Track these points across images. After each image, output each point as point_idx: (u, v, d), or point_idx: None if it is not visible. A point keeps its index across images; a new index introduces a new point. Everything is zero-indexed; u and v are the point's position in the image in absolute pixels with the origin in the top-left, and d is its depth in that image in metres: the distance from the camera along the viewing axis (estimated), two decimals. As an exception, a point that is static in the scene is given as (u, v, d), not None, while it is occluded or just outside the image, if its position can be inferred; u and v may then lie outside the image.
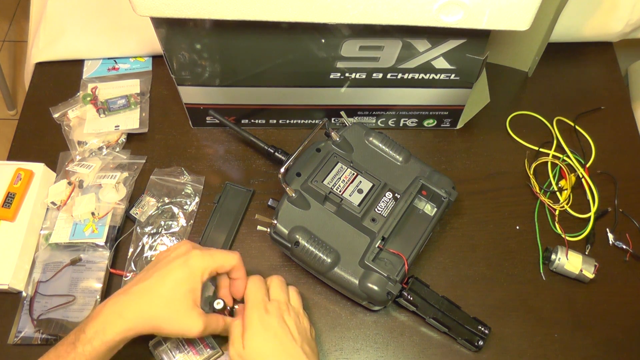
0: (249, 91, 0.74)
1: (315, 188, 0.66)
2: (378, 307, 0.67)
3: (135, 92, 0.83)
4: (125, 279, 0.69)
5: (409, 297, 0.65)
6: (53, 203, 0.72)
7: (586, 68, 0.88)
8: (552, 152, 0.78)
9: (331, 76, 0.71)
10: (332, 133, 0.70)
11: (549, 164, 0.78)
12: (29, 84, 0.87)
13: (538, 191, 0.75)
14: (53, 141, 0.79)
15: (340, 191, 0.66)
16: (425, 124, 0.81)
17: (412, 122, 0.80)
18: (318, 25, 0.61)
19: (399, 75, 0.71)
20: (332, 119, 0.79)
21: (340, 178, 0.67)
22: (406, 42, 0.66)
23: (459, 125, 0.81)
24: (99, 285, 0.68)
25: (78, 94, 0.83)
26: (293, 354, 0.57)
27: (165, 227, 0.73)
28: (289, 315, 0.59)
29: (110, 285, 0.69)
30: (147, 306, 0.56)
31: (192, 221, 0.74)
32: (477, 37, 0.65)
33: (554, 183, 0.76)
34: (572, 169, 0.78)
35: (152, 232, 0.72)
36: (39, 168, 0.74)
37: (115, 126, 0.79)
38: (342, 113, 0.74)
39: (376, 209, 0.66)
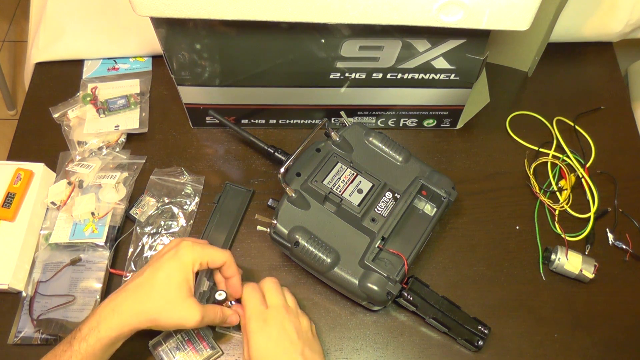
0: (249, 91, 0.74)
1: (315, 188, 0.66)
2: (378, 307, 0.67)
3: (135, 92, 0.83)
4: (125, 279, 0.69)
5: (408, 297, 0.65)
6: (53, 203, 0.72)
7: (586, 68, 0.88)
8: (552, 152, 0.78)
9: (331, 76, 0.71)
10: (332, 133, 0.70)
11: (549, 164, 0.78)
12: (29, 84, 0.87)
13: (538, 191, 0.75)
14: (53, 141, 0.79)
15: (340, 191, 0.66)
16: (425, 124, 0.81)
17: (412, 122, 0.80)
18: (318, 25, 0.61)
19: (399, 75, 0.71)
20: (332, 119, 0.79)
21: (340, 178, 0.67)
22: (406, 42, 0.66)
23: (459, 125, 0.81)
24: (98, 285, 0.68)
25: (78, 94, 0.83)
26: None
27: (165, 227, 0.73)
28: (289, 319, 0.59)
29: (110, 285, 0.69)
30: (141, 300, 0.56)
31: (192, 221, 0.74)
32: (477, 37, 0.65)
33: (553, 183, 0.76)
34: (572, 169, 0.78)
35: (152, 232, 0.72)
36: (39, 168, 0.74)
37: (115, 126, 0.79)
38: (342, 113, 0.74)
39: (376, 209, 0.66)
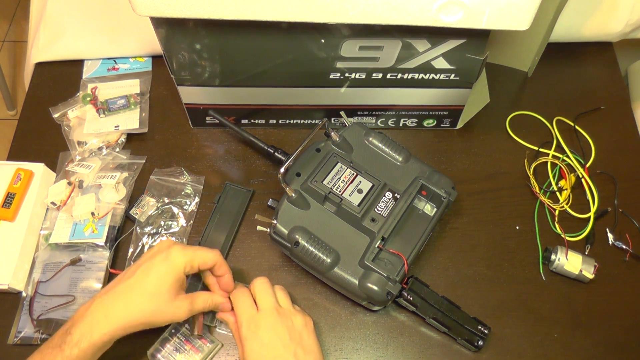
0: (249, 91, 0.74)
1: (315, 188, 0.66)
2: (378, 307, 0.67)
3: (135, 92, 0.83)
4: (125, 279, 0.69)
5: (408, 297, 0.65)
6: (53, 203, 0.72)
7: (586, 68, 0.88)
8: (552, 152, 0.78)
9: (331, 76, 0.71)
10: (332, 133, 0.70)
11: (549, 164, 0.78)
12: (29, 84, 0.87)
13: (538, 191, 0.75)
14: (53, 141, 0.79)
15: (340, 191, 0.66)
16: (425, 124, 0.81)
17: (412, 122, 0.80)
18: (318, 25, 0.61)
19: (399, 75, 0.71)
20: (332, 119, 0.79)
21: (340, 178, 0.67)
22: (406, 42, 0.66)
23: (459, 125, 0.81)
24: (98, 285, 0.68)
25: (78, 94, 0.83)
26: None
27: (165, 227, 0.73)
28: (280, 322, 0.59)
29: (110, 285, 0.69)
30: (133, 303, 0.56)
31: (192, 221, 0.74)
32: (477, 37, 0.65)
33: (553, 183, 0.76)
34: (572, 169, 0.78)
35: (152, 232, 0.72)
36: (39, 168, 0.74)
37: (115, 126, 0.79)
38: (342, 113, 0.74)
39: (376, 209, 0.66)
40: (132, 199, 0.74)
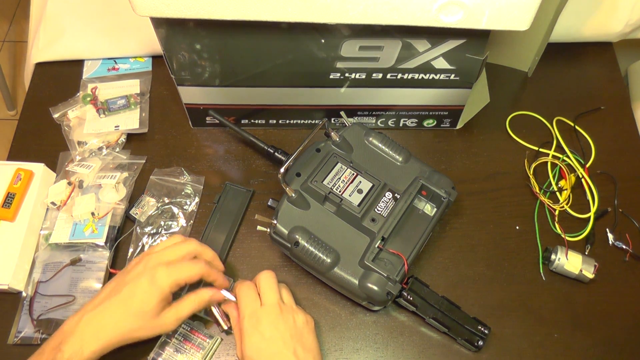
0: (249, 91, 0.74)
1: (315, 188, 0.66)
2: (378, 307, 0.67)
3: (135, 92, 0.83)
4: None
5: (408, 297, 0.65)
6: (53, 203, 0.72)
7: (586, 68, 0.88)
8: (552, 152, 0.78)
9: (331, 76, 0.71)
10: (332, 133, 0.70)
11: (549, 164, 0.78)
12: (29, 84, 0.87)
13: (538, 191, 0.75)
14: (53, 141, 0.79)
15: (340, 191, 0.66)
16: (425, 124, 0.81)
17: (412, 122, 0.80)
18: (318, 25, 0.61)
19: (399, 76, 0.71)
20: (332, 119, 0.79)
21: (340, 178, 0.67)
22: (406, 42, 0.66)
23: (459, 126, 0.81)
24: (98, 286, 0.68)
25: (78, 94, 0.83)
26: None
27: (165, 227, 0.73)
28: (282, 318, 0.59)
29: (110, 285, 0.69)
30: (122, 322, 0.57)
31: (192, 221, 0.74)
32: (477, 37, 0.65)
33: (553, 183, 0.76)
34: (572, 169, 0.78)
35: (152, 232, 0.72)
36: (39, 168, 0.74)
37: (115, 126, 0.79)
38: (342, 113, 0.74)
39: (376, 209, 0.66)
40: (132, 199, 0.74)
